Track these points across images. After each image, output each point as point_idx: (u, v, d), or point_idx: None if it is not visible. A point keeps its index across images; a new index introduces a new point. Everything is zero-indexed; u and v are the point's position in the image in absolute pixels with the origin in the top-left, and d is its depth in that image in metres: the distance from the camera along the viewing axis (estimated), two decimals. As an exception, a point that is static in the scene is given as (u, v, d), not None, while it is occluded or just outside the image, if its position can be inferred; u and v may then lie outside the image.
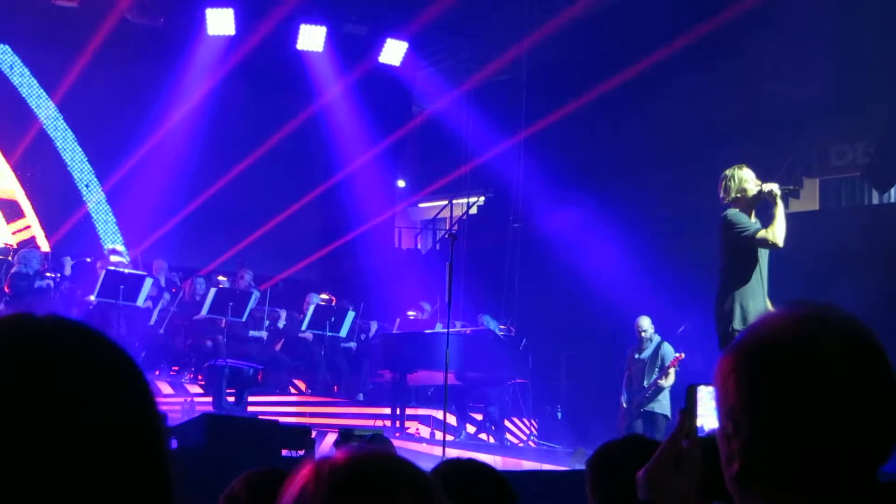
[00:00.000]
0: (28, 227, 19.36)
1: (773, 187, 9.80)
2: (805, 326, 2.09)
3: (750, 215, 9.91)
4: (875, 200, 18.29)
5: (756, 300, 9.85)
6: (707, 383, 2.21)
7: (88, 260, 16.85)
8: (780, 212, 9.56)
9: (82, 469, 1.45)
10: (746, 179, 9.99)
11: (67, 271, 16.96)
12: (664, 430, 14.25)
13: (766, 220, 9.50)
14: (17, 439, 1.45)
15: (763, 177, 18.67)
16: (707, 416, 2.34)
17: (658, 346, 14.99)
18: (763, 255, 9.89)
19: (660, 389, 14.75)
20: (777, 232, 9.62)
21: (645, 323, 15.02)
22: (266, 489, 3.27)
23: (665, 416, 14.18)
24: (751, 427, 2.07)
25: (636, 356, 15.07)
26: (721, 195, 10.03)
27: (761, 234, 9.45)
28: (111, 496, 1.46)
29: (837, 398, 2.03)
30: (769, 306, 9.76)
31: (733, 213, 9.88)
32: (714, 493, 2.35)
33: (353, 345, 17.20)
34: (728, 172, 10.11)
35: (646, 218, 17.96)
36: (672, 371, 14.80)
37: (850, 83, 16.94)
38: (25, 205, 19.48)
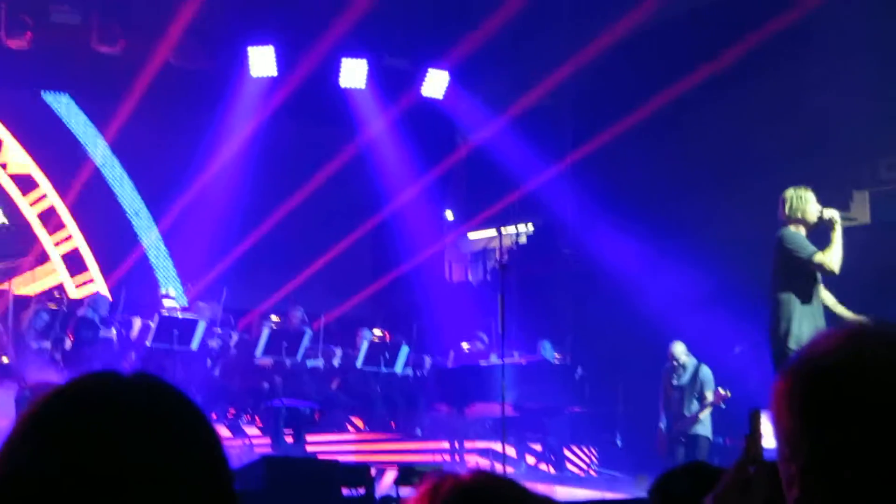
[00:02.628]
0: (91, 280, 19.55)
1: (834, 214, 9.87)
2: (860, 345, 2.05)
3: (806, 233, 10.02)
4: None
5: (811, 321, 9.93)
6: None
7: (152, 323, 16.55)
8: (837, 238, 9.67)
9: None
10: (809, 201, 10.01)
11: (134, 334, 16.76)
12: (707, 453, 14.35)
13: (822, 244, 9.53)
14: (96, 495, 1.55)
15: (815, 188, 18.57)
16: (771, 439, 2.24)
17: (696, 372, 14.92)
18: (818, 276, 9.93)
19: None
20: (834, 258, 9.63)
21: (678, 349, 14.99)
22: None
23: (707, 438, 14.18)
24: (808, 451, 2.06)
25: (673, 383, 15.03)
26: (781, 214, 10.04)
27: (818, 257, 9.49)
28: None
29: (857, 426, 2.01)
30: (824, 326, 9.84)
31: (790, 232, 9.88)
32: None
33: (409, 385, 17.21)
34: (790, 193, 10.10)
35: (697, 240, 17.89)
36: (710, 404, 14.80)
37: None
38: (87, 255, 19.44)
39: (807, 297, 9.80)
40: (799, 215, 9.93)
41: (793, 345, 9.69)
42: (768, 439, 2.30)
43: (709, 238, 18.08)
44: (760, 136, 17.71)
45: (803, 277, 9.79)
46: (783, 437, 2.11)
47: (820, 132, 17.43)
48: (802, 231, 9.97)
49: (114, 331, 16.52)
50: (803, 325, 9.79)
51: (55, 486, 1.59)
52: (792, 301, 9.90)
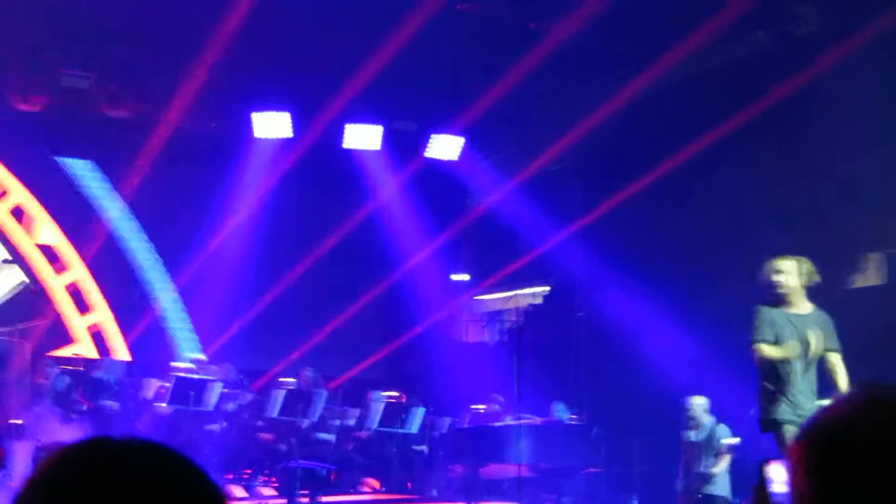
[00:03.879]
0: (112, 349, 19.58)
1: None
2: (873, 411, 2.07)
3: (790, 305, 10.13)
4: None
5: (785, 389, 9.94)
6: (777, 458, 2.25)
7: (168, 385, 16.74)
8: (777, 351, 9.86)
9: None
10: (775, 271, 10.22)
11: (150, 395, 16.82)
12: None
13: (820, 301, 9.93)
14: None
15: (821, 253, 18.64)
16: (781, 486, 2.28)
17: (712, 429, 14.87)
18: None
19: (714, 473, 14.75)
20: (772, 352, 9.79)
21: (696, 403, 15.00)
22: None
23: (725, 499, 14.16)
24: None
25: (690, 439, 15.00)
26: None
27: (757, 347, 9.72)
28: None
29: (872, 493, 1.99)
30: (798, 393, 9.96)
31: (757, 310, 10.11)
32: None
33: (424, 448, 17.22)
34: (766, 265, 10.36)
35: (706, 303, 17.89)
36: (727, 457, 14.70)
37: None
38: (111, 326, 19.45)
39: (778, 367, 9.89)
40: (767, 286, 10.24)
41: (762, 413, 9.97)
42: (777, 487, 2.37)
43: (721, 299, 17.89)
44: (771, 199, 17.83)
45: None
46: (797, 501, 2.11)
47: (832, 193, 17.53)
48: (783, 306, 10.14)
49: (128, 392, 16.58)
50: (774, 393, 9.96)
51: None
52: (763, 370, 10.09)
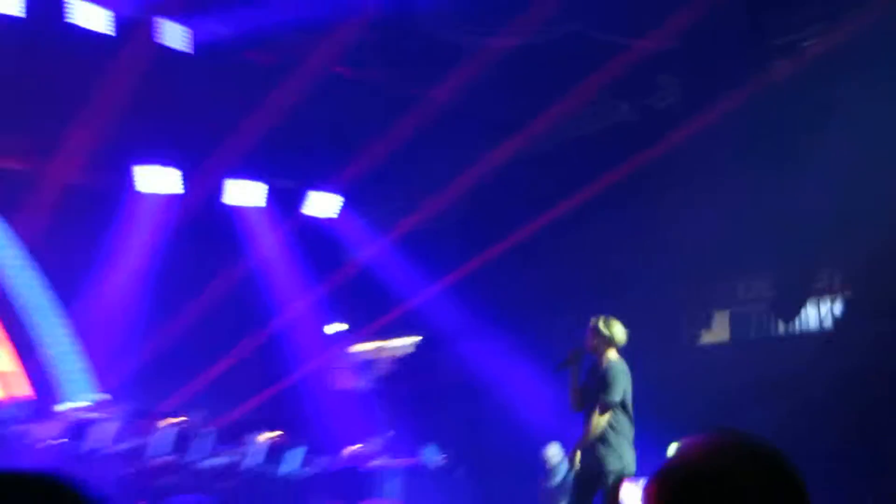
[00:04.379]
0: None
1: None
2: (722, 455, 2.15)
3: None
4: (781, 331, 18.66)
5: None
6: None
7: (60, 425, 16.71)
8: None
9: None
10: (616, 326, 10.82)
11: (48, 433, 16.46)
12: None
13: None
14: None
15: (674, 312, 19.12)
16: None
17: (567, 474, 14.80)
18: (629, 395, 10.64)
19: None
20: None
21: (550, 452, 15.44)
22: None
23: None
24: None
25: (548, 486, 15.45)
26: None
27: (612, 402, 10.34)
28: None
29: None
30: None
31: (611, 365, 10.51)
32: None
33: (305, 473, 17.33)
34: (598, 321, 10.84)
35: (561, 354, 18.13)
36: None
37: (754, 220, 17.40)
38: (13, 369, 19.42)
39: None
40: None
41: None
42: None
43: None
44: (629, 259, 18.36)
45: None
46: None
47: (684, 256, 17.97)
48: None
49: (19, 429, 16.25)
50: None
51: None
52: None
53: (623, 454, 10.39)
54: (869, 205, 15.99)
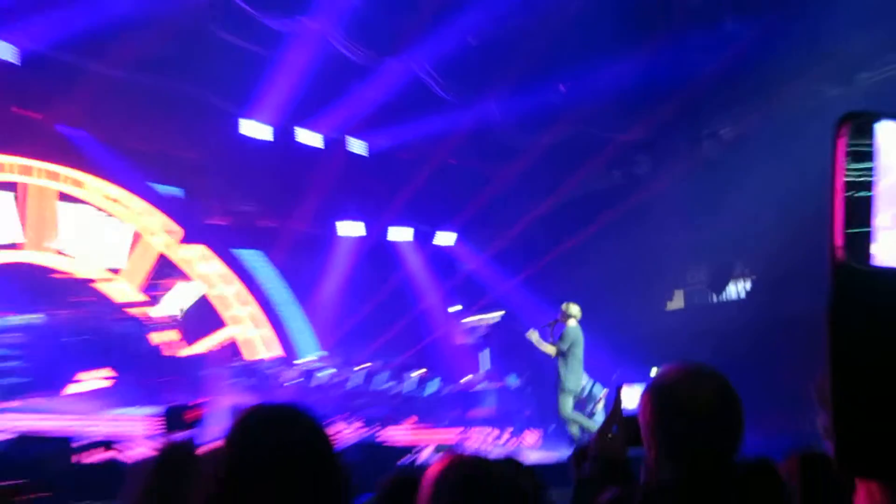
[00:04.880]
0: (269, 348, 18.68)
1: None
2: (686, 375, 2.05)
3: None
4: (714, 301, 18.54)
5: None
6: (629, 383, 2.47)
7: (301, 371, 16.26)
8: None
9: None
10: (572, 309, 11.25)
11: (290, 377, 16.08)
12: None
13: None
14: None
15: (653, 292, 18.63)
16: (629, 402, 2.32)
17: (592, 384, 14.42)
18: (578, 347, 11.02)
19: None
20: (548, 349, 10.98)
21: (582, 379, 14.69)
22: None
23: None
24: (657, 434, 2.02)
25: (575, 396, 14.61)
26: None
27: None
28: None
29: (683, 420, 1.98)
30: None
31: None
32: (633, 445, 2.30)
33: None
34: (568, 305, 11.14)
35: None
36: (602, 401, 14.18)
37: (696, 237, 17.46)
38: (269, 331, 19.09)
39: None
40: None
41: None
42: (627, 404, 2.39)
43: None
44: (626, 263, 18.24)
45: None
46: (644, 427, 2.05)
47: (656, 259, 18.27)
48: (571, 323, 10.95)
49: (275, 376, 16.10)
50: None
51: (267, 458, 1.55)
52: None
53: (571, 378, 11.19)
54: (765, 226, 15.91)
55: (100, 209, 17.07)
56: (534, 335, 11.32)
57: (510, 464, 2.27)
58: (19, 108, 16.03)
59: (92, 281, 16.82)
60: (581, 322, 17.23)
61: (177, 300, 17.42)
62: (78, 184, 17.10)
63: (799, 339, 15.10)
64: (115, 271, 17.04)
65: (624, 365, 15.21)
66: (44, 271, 16.35)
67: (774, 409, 13.26)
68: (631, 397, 2.34)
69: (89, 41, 13.92)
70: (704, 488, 1.92)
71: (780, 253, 15.88)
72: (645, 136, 17.77)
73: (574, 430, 11.57)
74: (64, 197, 16.57)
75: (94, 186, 17.32)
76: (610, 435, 2.43)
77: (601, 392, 14.58)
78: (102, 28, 13.63)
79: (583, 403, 14.37)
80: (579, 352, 11.10)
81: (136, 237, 17.53)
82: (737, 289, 18.43)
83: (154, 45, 14.43)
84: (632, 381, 2.58)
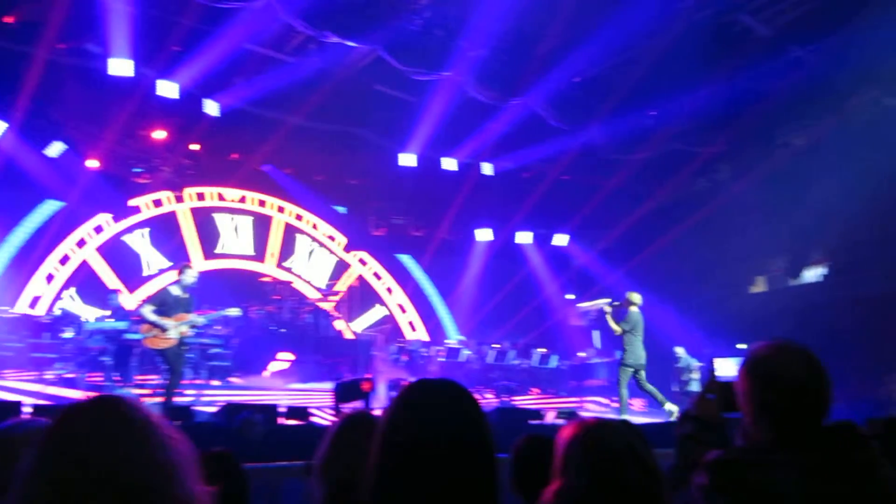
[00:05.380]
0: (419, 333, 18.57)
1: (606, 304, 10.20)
2: (777, 350, 1.93)
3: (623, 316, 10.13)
4: (792, 284, 17.80)
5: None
6: (721, 356, 2.33)
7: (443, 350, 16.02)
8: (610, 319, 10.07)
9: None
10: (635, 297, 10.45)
11: (437, 355, 15.69)
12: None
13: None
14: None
15: (740, 278, 17.83)
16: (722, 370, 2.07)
17: (688, 360, 14.65)
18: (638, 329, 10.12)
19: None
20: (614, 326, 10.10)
21: (679, 350, 14.53)
22: None
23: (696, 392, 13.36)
24: (753, 400, 1.91)
25: (678, 366, 14.64)
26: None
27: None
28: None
29: (776, 390, 1.87)
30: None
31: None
32: (726, 410, 2.18)
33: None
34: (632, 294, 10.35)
35: (694, 305, 17.03)
36: (697, 373, 14.14)
37: (774, 229, 16.61)
38: (417, 320, 18.81)
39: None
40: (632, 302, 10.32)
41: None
42: (721, 374, 2.27)
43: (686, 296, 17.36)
44: (719, 255, 17.65)
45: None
46: (742, 396, 1.94)
47: (738, 251, 17.56)
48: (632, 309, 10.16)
49: (426, 354, 15.84)
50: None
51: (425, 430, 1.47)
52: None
53: (630, 355, 10.17)
54: (836, 218, 15.24)
55: (314, 239, 18.05)
56: (607, 308, 10.67)
57: (625, 425, 2.05)
58: (235, 153, 17.07)
59: (290, 282, 17.39)
60: (675, 305, 16.74)
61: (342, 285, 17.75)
62: (298, 217, 18.33)
63: (870, 317, 15.22)
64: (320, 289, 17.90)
65: (716, 340, 14.80)
66: (252, 275, 17.12)
67: (851, 379, 13.12)
68: (723, 368, 2.30)
69: (278, 96, 14.67)
70: (796, 449, 1.82)
71: (851, 241, 15.35)
72: (725, 148, 17.17)
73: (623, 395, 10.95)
74: (290, 227, 17.68)
75: (289, 210, 18.39)
76: (706, 399, 2.26)
77: (696, 364, 14.41)
78: (288, 86, 14.37)
79: (678, 372, 14.29)
80: (639, 333, 10.33)
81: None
82: (813, 273, 17.66)
83: (327, 98, 15.04)
84: (723, 354, 2.35)
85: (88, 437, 1.16)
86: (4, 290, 13.41)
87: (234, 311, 10.08)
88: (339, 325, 17.47)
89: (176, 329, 8.90)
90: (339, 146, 16.69)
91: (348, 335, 17.01)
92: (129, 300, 14.13)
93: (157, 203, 15.98)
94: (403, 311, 19.02)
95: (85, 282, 14.65)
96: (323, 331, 15.73)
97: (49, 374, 11.02)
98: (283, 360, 14.29)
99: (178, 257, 15.76)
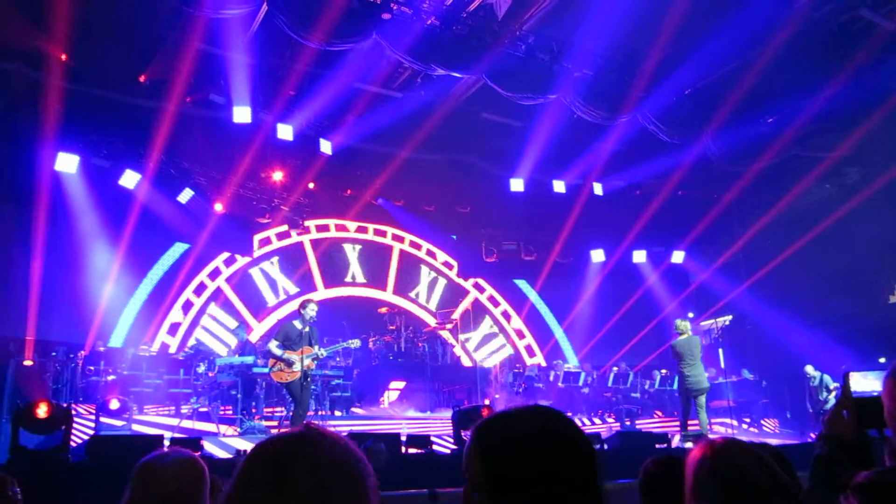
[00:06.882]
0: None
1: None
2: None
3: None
4: None
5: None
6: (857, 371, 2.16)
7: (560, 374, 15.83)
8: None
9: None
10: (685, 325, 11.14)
11: (554, 379, 15.67)
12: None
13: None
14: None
15: (874, 289, 16.98)
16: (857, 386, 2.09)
17: (822, 378, 14.49)
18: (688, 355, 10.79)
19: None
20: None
21: (808, 369, 14.63)
22: None
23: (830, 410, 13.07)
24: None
25: (811, 385, 14.62)
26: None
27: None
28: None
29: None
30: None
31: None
32: (866, 427, 2.07)
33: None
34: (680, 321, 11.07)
35: (817, 314, 16.48)
36: (833, 392, 14.08)
37: None
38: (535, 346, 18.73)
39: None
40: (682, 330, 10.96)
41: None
42: (855, 387, 2.16)
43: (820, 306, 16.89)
44: (836, 269, 16.92)
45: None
46: (890, 412, 1.82)
47: (871, 258, 16.79)
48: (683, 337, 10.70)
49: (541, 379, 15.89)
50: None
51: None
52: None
53: (694, 377, 10.88)
54: None
55: (432, 268, 18.28)
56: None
57: (762, 446, 1.97)
58: (349, 189, 17.62)
59: (406, 311, 17.76)
60: (803, 320, 16.06)
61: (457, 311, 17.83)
62: (416, 246, 18.78)
63: None
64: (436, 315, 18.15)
65: (851, 355, 14.22)
66: (369, 306, 17.47)
67: None
68: (860, 383, 2.14)
69: (388, 131, 15.18)
70: None
71: None
72: (849, 151, 16.22)
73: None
74: (409, 256, 18.04)
75: (408, 240, 18.85)
76: (840, 416, 2.12)
77: (832, 384, 14.39)
78: (397, 120, 14.86)
79: (814, 392, 14.30)
80: (689, 359, 11.00)
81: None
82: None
83: (436, 129, 15.36)
84: (859, 368, 2.27)
85: (324, 465, 1.29)
86: (142, 329, 13.95)
87: (354, 343, 10.37)
88: (457, 351, 17.67)
89: (300, 362, 9.24)
90: (449, 175, 17.05)
91: (466, 362, 17.05)
92: (254, 334, 14.98)
93: (284, 235, 16.48)
94: (521, 336, 18.98)
95: (217, 311, 15.24)
96: (440, 358, 15.82)
97: (185, 408, 11.55)
98: (394, 388, 14.50)
99: (304, 285, 16.38)
